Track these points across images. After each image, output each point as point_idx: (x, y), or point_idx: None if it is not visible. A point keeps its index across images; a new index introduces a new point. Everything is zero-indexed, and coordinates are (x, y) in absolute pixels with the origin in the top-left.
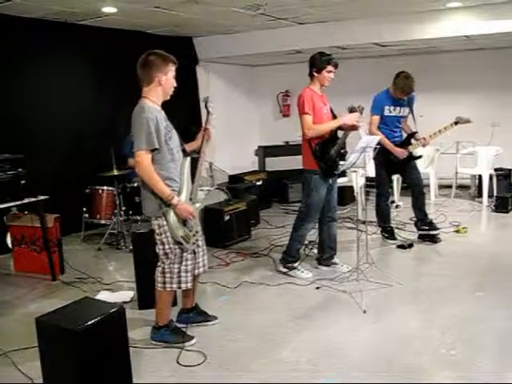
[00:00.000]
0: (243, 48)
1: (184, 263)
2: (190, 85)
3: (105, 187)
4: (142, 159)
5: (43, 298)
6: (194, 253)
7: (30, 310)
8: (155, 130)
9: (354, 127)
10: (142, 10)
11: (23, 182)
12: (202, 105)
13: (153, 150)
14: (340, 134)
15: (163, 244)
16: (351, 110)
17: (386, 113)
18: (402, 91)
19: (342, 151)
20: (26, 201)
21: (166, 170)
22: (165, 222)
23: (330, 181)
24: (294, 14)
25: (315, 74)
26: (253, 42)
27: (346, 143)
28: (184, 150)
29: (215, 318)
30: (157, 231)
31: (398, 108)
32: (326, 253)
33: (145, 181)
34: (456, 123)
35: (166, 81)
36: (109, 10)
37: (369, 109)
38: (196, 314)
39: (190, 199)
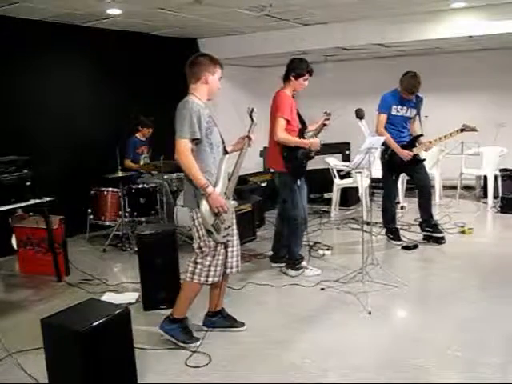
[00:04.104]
0: (248, 49)
1: (217, 257)
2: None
3: (110, 188)
4: (183, 147)
5: (48, 299)
6: (226, 250)
7: (35, 311)
8: (197, 120)
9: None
10: (146, 11)
11: (28, 183)
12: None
13: (194, 140)
14: (307, 136)
15: (199, 238)
16: (357, 113)
17: (394, 112)
18: (405, 90)
19: (311, 154)
20: (31, 202)
21: (205, 162)
22: (199, 214)
23: (299, 182)
24: (298, 15)
25: (292, 79)
26: (257, 44)
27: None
28: (224, 148)
29: (243, 324)
30: (193, 224)
31: (405, 108)
32: (281, 252)
33: (183, 168)
34: (462, 130)
35: (212, 80)
36: (113, 11)
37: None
38: (222, 319)
39: (225, 194)
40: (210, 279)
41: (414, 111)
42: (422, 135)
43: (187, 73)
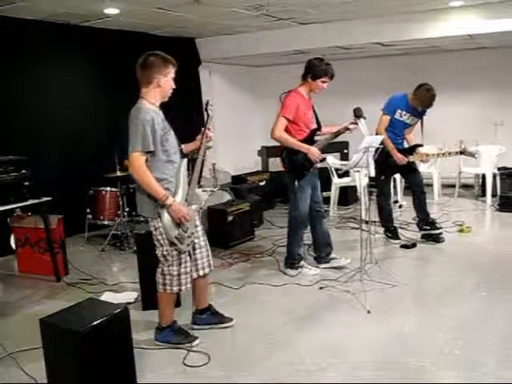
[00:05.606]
0: (245, 49)
1: (183, 265)
2: (192, 86)
3: (108, 188)
4: (136, 160)
5: (47, 299)
6: (195, 252)
7: (33, 311)
8: (151, 131)
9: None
10: (144, 11)
11: (27, 183)
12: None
13: (148, 152)
14: (318, 138)
15: (162, 246)
16: (355, 112)
17: (397, 116)
18: (421, 103)
19: (313, 162)
20: (29, 202)
21: (161, 171)
22: (160, 224)
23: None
24: (296, 15)
25: (309, 80)
26: (255, 43)
27: (325, 146)
28: (181, 151)
29: (231, 319)
30: (153, 233)
31: (408, 115)
32: (323, 251)
33: (138, 182)
34: (461, 153)
35: (165, 83)
36: (111, 11)
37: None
38: (210, 315)
39: (186, 200)
40: (183, 287)
41: (415, 120)
42: (421, 145)
43: (138, 75)
